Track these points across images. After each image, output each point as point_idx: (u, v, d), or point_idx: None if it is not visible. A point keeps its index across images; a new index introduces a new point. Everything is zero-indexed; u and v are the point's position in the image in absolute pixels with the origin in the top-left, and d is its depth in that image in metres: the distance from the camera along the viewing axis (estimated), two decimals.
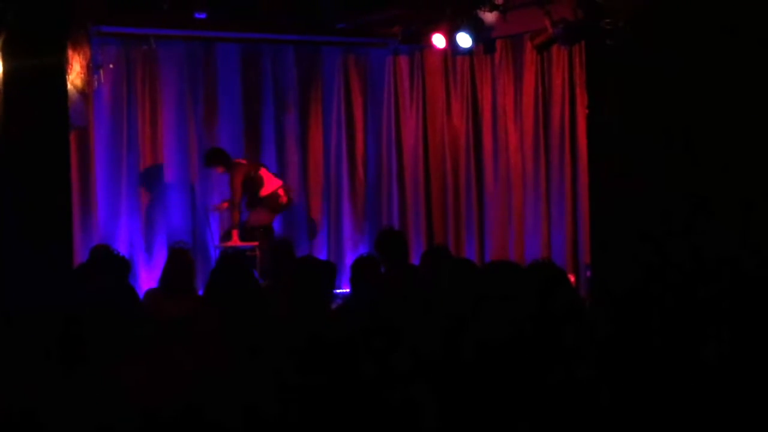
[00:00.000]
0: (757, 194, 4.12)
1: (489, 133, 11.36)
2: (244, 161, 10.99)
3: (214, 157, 10.78)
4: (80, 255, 8.73)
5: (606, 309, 4.76)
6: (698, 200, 4.36)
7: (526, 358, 4.38)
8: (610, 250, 4.57)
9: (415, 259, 8.08)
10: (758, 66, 4.06)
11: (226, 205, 10.93)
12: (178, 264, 6.41)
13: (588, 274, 8.38)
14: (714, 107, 3.99)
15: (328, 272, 5.40)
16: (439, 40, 10.60)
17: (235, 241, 10.76)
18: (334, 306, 5.82)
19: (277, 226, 11.28)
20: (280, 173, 11.52)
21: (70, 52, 7.38)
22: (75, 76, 7.92)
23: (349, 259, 10.87)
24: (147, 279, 10.49)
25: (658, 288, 4.54)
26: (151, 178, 11.11)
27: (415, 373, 4.18)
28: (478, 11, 9.71)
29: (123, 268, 6.32)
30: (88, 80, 8.38)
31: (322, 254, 11.72)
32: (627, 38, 4.01)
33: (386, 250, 6.84)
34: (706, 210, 4.35)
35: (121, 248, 9.90)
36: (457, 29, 10.14)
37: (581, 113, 9.90)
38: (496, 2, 9.50)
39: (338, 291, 8.38)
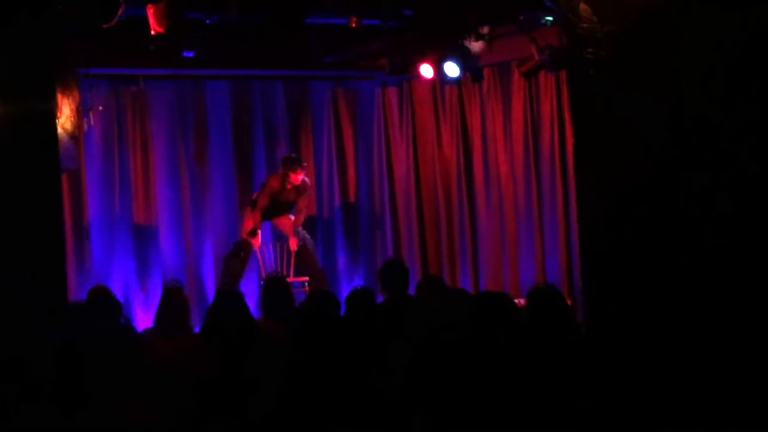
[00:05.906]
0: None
1: (480, 161, 11.39)
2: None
3: None
4: (75, 297, 8.72)
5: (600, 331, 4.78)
6: (687, 222, 4.39)
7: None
8: (601, 273, 4.60)
9: (410, 289, 8.08)
10: (744, 93, 4.10)
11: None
12: (172, 303, 6.41)
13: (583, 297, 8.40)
14: (695, 134, 4.04)
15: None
16: (426, 71, 10.65)
17: None
18: None
19: (270, 257, 11.29)
20: None
21: (59, 96, 7.41)
22: (65, 119, 7.96)
23: (344, 291, 10.87)
24: (143, 319, 10.47)
25: (651, 306, 4.56)
26: (144, 218, 11.12)
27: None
28: (465, 41, 9.76)
29: (117, 309, 6.34)
30: (78, 123, 8.41)
31: None
32: (609, 68, 4.05)
33: (389, 281, 6.88)
34: (694, 230, 4.38)
35: (117, 289, 9.88)
36: (445, 59, 10.20)
37: (571, 138, 9.92)
38: (482, 31, 9.56)
39: None
